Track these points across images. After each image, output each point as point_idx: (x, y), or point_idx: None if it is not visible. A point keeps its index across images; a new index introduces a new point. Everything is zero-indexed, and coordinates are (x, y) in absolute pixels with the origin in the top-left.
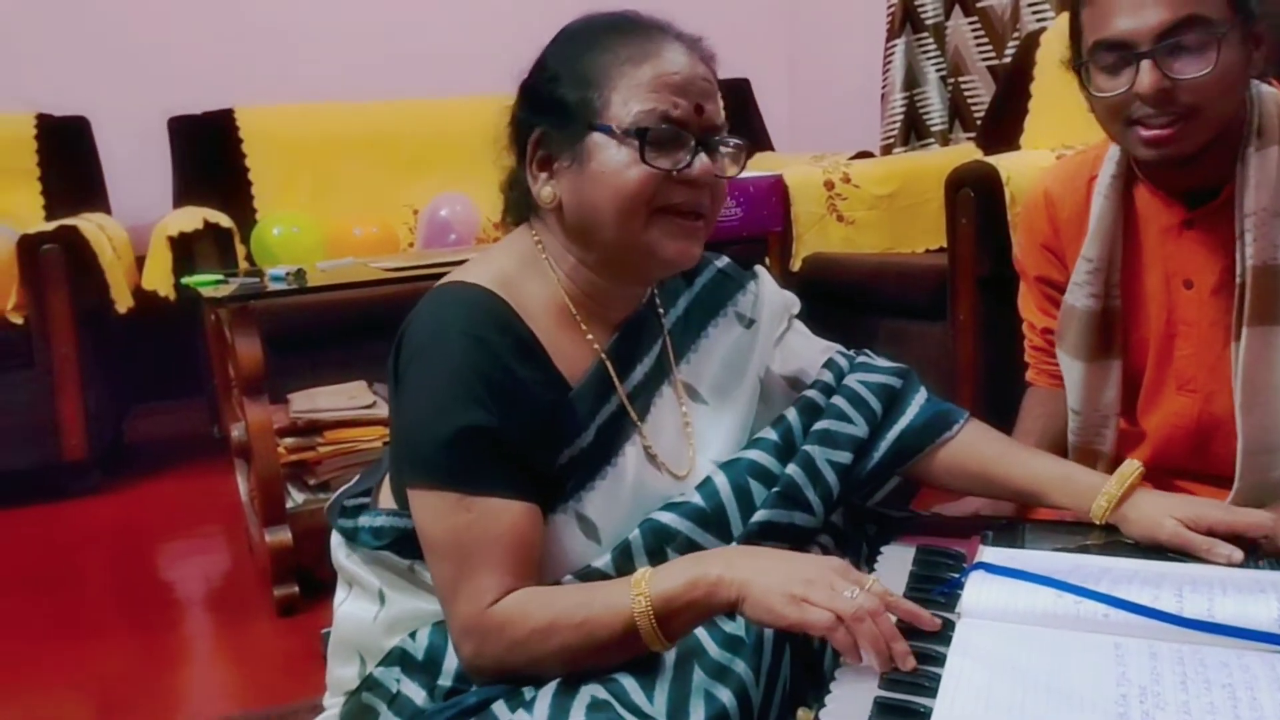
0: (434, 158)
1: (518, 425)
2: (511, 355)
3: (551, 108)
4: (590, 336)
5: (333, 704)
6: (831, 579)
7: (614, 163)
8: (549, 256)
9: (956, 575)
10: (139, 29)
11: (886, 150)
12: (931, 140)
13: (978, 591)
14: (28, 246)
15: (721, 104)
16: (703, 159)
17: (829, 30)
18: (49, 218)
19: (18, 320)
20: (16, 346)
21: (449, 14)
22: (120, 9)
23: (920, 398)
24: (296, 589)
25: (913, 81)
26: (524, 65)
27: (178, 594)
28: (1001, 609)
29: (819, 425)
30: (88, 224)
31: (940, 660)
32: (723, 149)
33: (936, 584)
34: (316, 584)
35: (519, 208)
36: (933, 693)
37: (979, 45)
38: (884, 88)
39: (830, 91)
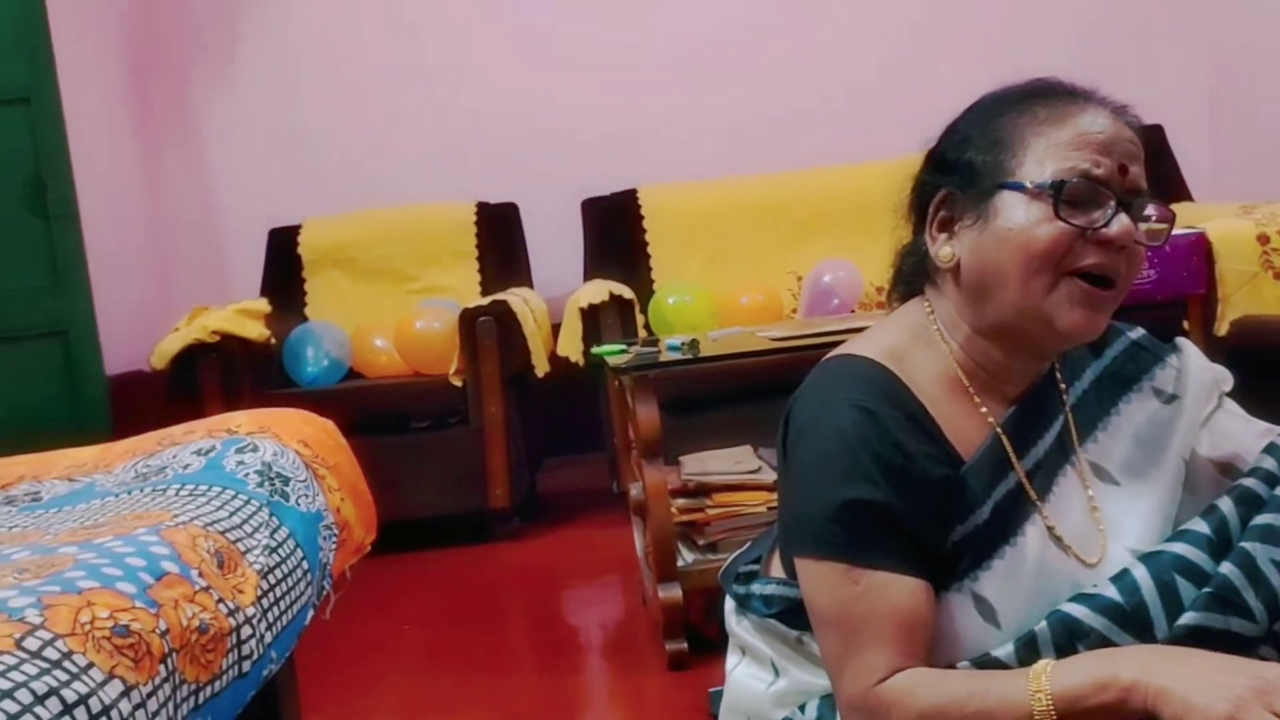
0: (818, 225)
1: (907, 501)
2: (901, 429)
3: (959, 168)
4: (984, 410)
5: None
6: (1273, 698)
7: (1023, 219)
8: (941, 326)
9: None
10: (558, 124)
11: None
12: None
13: None
14: (467, 319)
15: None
16: (1122, 219)
17: (1258, 63)
18: (484, 292)
19: (458, 383)
20: (456, 406)
21: (832, 87)
22: (542, 108)
23: None
24: (685, 645)
25: None
26: (906, 133)
27: (579, 639)
28: None
29: (1260, 519)
30: (514, 298)
31: None
32: (1146, 214)
33: None
34: (704, 641)
35: (912, 279)
36: None
37: None
38: None
39: (1260, 133)
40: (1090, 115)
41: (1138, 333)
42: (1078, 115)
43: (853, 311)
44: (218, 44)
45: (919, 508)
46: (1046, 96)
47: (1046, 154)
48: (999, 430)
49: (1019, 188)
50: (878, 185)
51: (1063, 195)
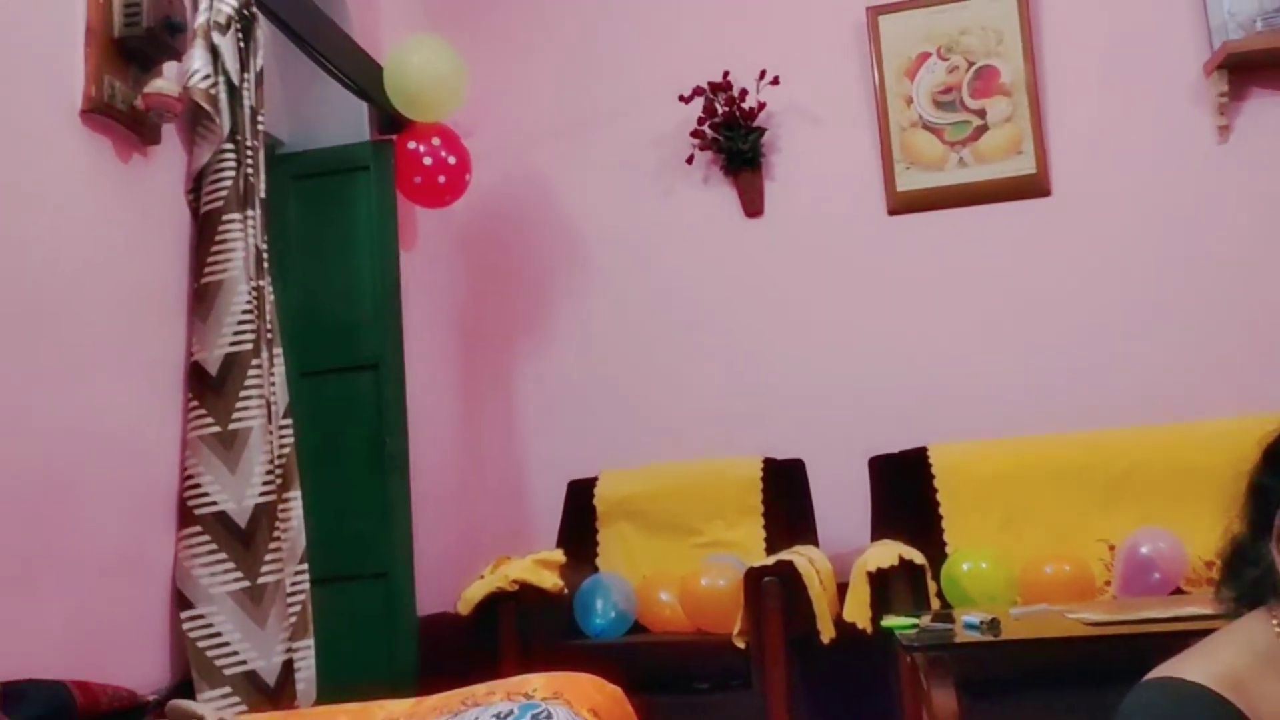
0: (1129, 490)
1: None
2: None
3: None
4: None
5: None
6: None
7: None
8: None
9: None
10: (847, 381)
11: None
12: None
13: None
14: (752, 578)
15: None
16: None
17: None
18: (769, 549)
19: (741, 644)
20: (738, 669)
21: (1141, 344)
22: (831, 365)
23: None
24: None
25: None
26: (1225, 394)
27: None
28: None
29: None
30: (800, 557)
31: None
32: None
33: None
34: None
35: (1254, 588)
36: None
37: None
38: None
39: None
40: None
41: None
42: None
43: (1178, 589)
44: (532, 317)
45: None
46: None
47: None
48: None
49: None
50: (1197, 448)
51: None
